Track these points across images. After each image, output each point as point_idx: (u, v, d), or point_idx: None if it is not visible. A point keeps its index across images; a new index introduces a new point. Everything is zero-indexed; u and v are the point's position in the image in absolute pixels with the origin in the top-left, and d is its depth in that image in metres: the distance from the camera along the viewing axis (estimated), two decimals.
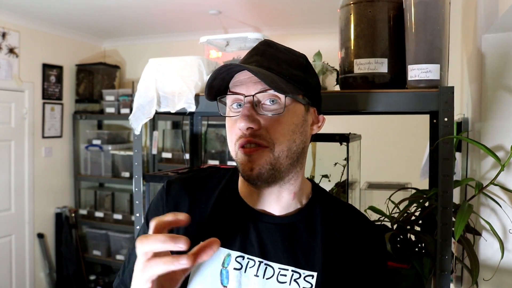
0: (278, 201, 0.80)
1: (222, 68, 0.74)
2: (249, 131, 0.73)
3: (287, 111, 0.75)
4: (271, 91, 0.74)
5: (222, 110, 0.81)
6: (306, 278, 0.75)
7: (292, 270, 0.75)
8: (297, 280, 0.74)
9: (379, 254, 0.82)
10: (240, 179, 0.85)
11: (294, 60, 0.80)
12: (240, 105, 0.77)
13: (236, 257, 0.76)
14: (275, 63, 0.77)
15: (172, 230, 0.79)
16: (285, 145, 0.75)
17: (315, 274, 0.75)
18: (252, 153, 0.73)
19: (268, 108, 0.75)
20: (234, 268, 0.75)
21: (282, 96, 0.75)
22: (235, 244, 0.77)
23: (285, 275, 0.74)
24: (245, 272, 0.75)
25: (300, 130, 0.77)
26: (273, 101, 0.75)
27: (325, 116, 0.85)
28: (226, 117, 0.79)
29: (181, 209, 0.82)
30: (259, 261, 0.75)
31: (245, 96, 0.75)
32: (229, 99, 0.78)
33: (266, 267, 0.75)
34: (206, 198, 0.84)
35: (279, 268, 0.75)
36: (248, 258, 0.76)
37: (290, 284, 0.74)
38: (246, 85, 0.75)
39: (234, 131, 0.76)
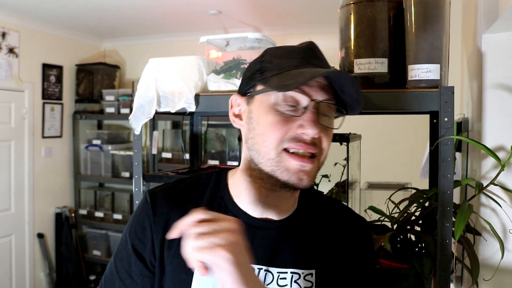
0: (283, 206, 0.78)
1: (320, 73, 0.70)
2: (312, 140, 0.71)
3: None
4: (333, 102, 0.73)
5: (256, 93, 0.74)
6: (306, 277, 0.75)
7: (291, 272, 0.74)
8: (297, 281, 0.74)
9: (368, 243, 0.84)
10: (244, 185, 0.78)
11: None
12: (292, 105, 0.71)
13: None
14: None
15: (163, 245, 0.76)
16: (325, 157, 0.76)
17: (313, 271, 0.75)
18: (308, 164, 0.71)
19: (325, 120, 0.73)
20: None
21: (332, 111, 0.75)
22: None
23: (285, 278, 0.74)
24: None
25: None
26: (324, 113, 0.73)
27: None
28: (271, 110, 0.72)
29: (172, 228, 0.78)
30: (258, 268, 0.74)
31: (312, 100, 0.71)
32: (280, 94, 0.71)
33: (266, 274, 0.74)
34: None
35: (278, 273, 0.74)
36: None
37: (291, 286, 0.74)
38: (314, 88, 0.71)
39: (285, 129, 0.70)
